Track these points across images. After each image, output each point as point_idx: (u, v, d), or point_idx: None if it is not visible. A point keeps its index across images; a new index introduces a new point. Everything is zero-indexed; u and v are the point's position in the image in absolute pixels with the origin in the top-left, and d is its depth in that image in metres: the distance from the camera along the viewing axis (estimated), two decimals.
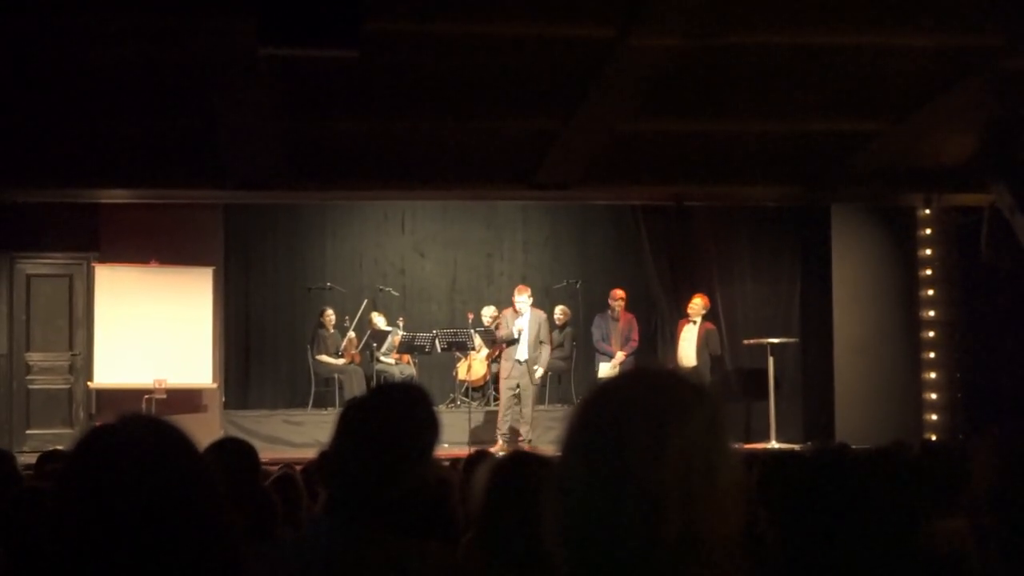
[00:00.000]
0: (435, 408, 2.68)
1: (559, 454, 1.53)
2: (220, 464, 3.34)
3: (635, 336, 14.21)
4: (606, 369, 13.68)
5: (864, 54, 10.13)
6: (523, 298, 13.22)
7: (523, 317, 13.11)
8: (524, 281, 15.42)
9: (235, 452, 3.85)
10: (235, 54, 8.74)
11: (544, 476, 2.40)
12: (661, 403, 1.48)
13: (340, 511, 2.54)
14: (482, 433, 13.55)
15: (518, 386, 13.09)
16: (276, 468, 6.51)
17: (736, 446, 1.53)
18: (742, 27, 9.17)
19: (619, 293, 14.30)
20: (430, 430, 2.62)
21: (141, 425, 1.65)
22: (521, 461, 2.48)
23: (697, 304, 13.71)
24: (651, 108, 10.74)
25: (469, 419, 13.66)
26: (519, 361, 13.06)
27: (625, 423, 1.46)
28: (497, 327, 13.70)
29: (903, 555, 2.57)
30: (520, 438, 12.92)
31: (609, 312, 14.28)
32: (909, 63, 10.27)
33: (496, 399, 14.08)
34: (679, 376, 1.55)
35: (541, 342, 13.21)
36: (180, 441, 1.65)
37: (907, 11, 9.16)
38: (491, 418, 13.76)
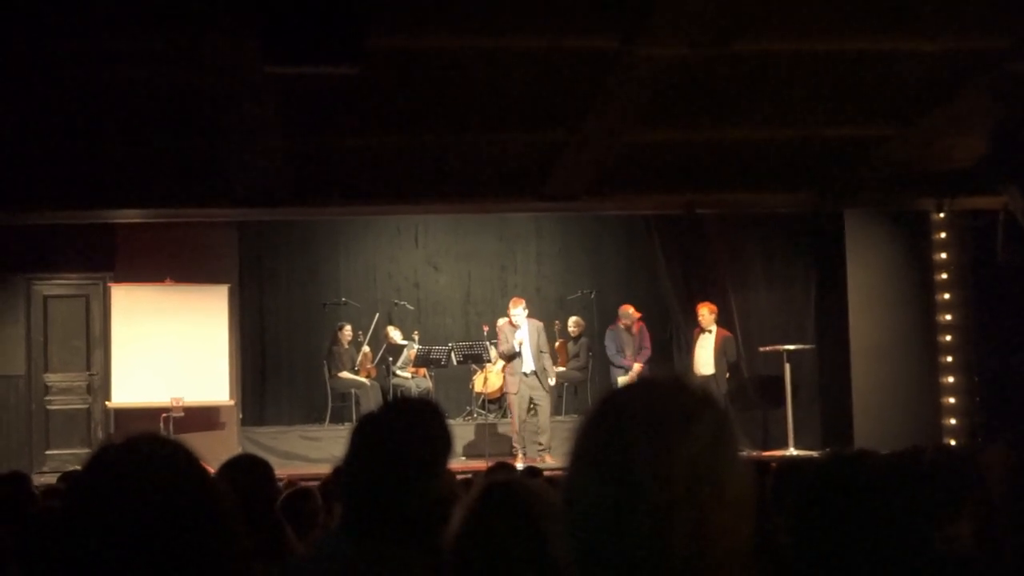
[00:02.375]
0: (448, 422, 2.69)
1: (567, 466, 1.53)
2: (234, 482, 3.36)
3: (647, 344, 14.24)
4: (624, 382, 13.62)
5: (872, 59, 10.11)
6: (518, 311, 13.18)
7: (521, 329, 13.09)
8: (539, 293, 15.46)
9: (249, 469, 3.84)
10: (241, 74, 8.78)
11: (528, 512, 2.40)
12: (667, 414, 1.48)
13: (354, 526, 2.54)
14: (500, 445, 13.54)
15: (531, 399, 13.06)
16: (287, 484, 6.53)
17: (745, 455, 1.53)
18: (749, 34, 9.16)
19: (628, 309, 14.31)
20: (443, 444, 2.63)
21: (148, 445, 1.65)
22: (502, 504, 2.46)
23: (704, 314, 13.70)
24: (660, 117, 10.74)
25: (487, 431, 13.65)
26: (525, 374, 13.03)
27: (631, 435, 1.46)
28: (497, 343, 13.70)
29: (915, 558, 2.57)
30: (541, 447, 12.89)
31: (621, 326, 14.27)
32: (917, 67, 10.25)
33: None
34: (685, 385, 1.54)
35: (541, 352, 13.15)
36: (187, 460, 1.65)
37: (913, 16, 9.14)
38: (509, 429, 13.75)
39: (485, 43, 9.30)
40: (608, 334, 14.41)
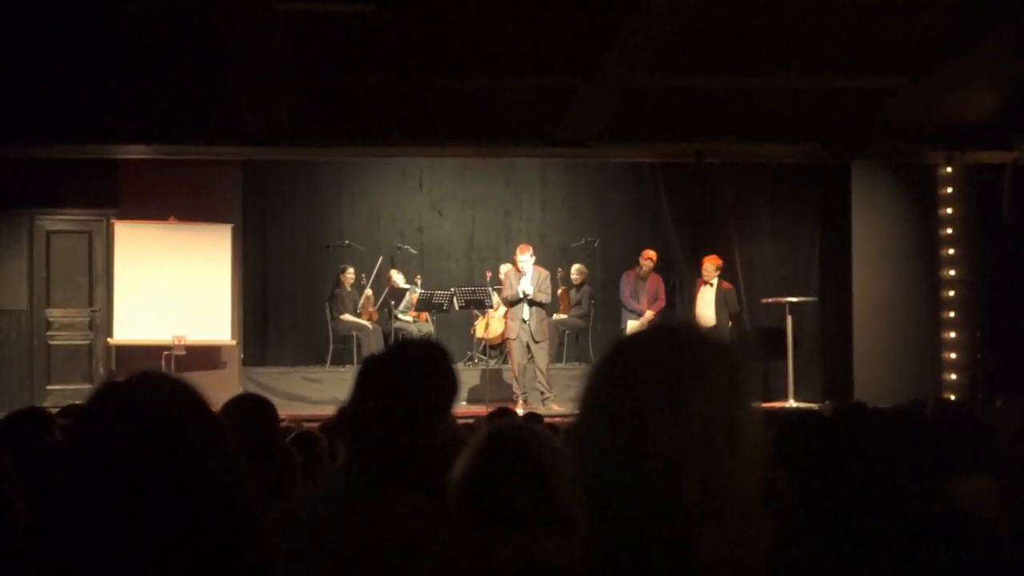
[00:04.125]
0: (454, 365, 2.67)
1: (577, 413, 1.51)
2: (237, 421, 3.34)
3: (663, 295, 14.23)
4: (634, 326, 13.65)
5: (886, 9, 10.03)
6: (525, 257, 13.12)
7: (526, 276, 13.05)
8: (543, 240, 15.43)
9: (252, 408, 3.83)
10: (252, 9, 8.70)
11: (535, 457, 2.39)
12: (681, 361, 1.46)
13: (359, 468, 2.54)
14: (501, 390, 13.56)
15: (528, 346, 13.05)
16: (288, 425, 6.53)
17: (757, 405, 1.51)
18: None
19: (651, 254, 14.26)
20: (449, 387, 2.62)
21: (152, 382, 1.64)
22: (507, 449, 2.45)
23: (708, 267, 13.66)
24: (671, 65, 10.67)
25: (487, 377, 13.67)
26: (524, 320, 13.01)
27: (644, 382, 1.44)
28: (501, 288, 13.66)
29: (920, 513, 2.56)
30: (544, 396, 12.91)
31: (638, 271, 14.25)
32: (931, 18, 10.17)
33: None
34: (699, 333, 1.52)
35: (534, 301, 13.03)
36: (191, 398, 1.64)
37: None
38: (509, 376, 13.76)
39: None
40: (624, 277, 14.39)
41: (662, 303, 14.15)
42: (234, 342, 13.71)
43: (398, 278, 14.92)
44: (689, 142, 12.72)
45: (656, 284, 14.23)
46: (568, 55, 10.54)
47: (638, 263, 14.29)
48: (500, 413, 6.36)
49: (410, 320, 14.70)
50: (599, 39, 10.03)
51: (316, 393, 13.70)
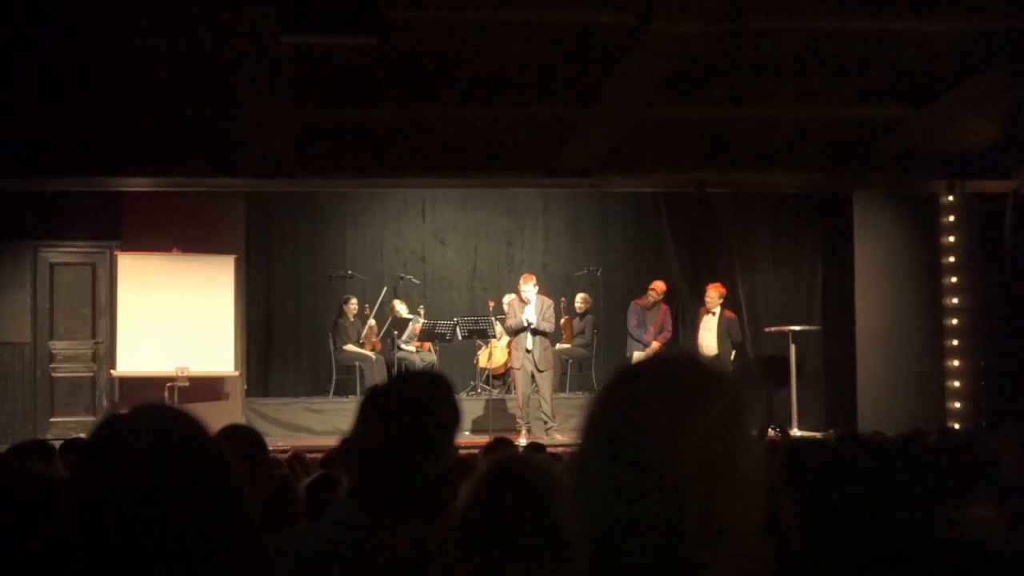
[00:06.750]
0: (456, 396, 2.68)
1: (579, 442, 1.52)
2: (231, 450, 3.33)
3: (669, 326, 14.22)
4: (639, 356, 13.58)
5: (887, 40, 10.07)
6: (529, 287, 13.11)
7: (530, 306, 13.05)
8: (545, 269, 15.44)
9: (240, 439, 3.80)
10: (256, 42, 8.74)
11: (536, 487, 2.40)
12: (681, 390, 1.47)
13: (362, 497, 2.54)
14: (503, 420, 13.54)
15: (532, 375, 13.03)
16: (292, 456, 6.52)
17: (757, 433, 1.51)
18: (763, 13, 9.12)
19: (660, 286, 14.27)
20: (452, 418, 2.62)
21: (155, 414, 1.65)
22: (510, 479, 2.46)
23: (713, 295, 13.67)
24: (672, 95, 10.71)
25: (490, 406, 13.66)
26: (528, 349, 13.00)
27: (644, 411, 1.45)
28: (503, 318, 13.66)
29: (925, 542, 2.56)
30: (548, 426, 12.87)
31: (646, 302, 14.26)
32: (932, 49, 10.21)
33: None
34: (699, 363, 1.53)
35: (537, 330, 13.01)
36: (194, 429, 1.65)
37: None
38: (512, 406, 13.75)
39: (501, 16, 9.26)
40: (632, 307, 14.39)
41: (668, 334, 14.16)
42: (237, 373, 13.71)
43: (401, 308, 14.94)
44: (691, 171, 12.75)
45: (663, 315, 14.23)
46: (570, 85, 10.58)
47: (646, 293, 14.31)
48: (497, 444, 6.34)
49: (413, 350, 14.70)
50: (600, 69, 10.07)
51: (319, 424, 13.68)
